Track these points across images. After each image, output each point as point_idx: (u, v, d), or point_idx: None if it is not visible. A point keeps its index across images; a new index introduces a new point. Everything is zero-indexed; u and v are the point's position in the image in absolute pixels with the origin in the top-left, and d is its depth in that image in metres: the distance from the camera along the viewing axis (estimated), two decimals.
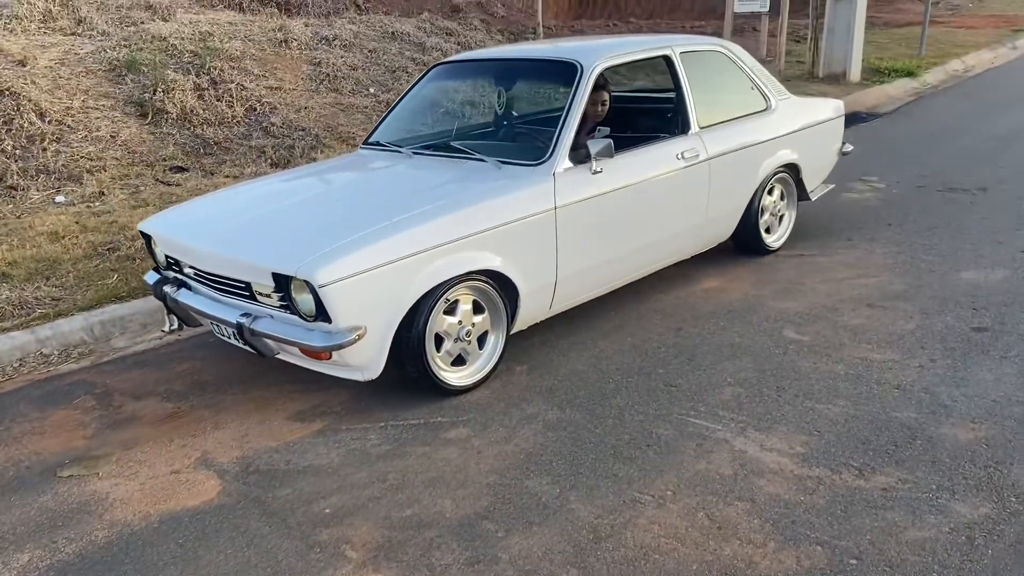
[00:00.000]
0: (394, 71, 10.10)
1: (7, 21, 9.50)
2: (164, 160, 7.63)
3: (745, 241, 5.03)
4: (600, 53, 4.18)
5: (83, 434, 3.44)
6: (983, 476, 2.80)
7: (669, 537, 2.58)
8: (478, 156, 3.96)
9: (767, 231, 5.12)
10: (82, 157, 7.40)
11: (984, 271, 4.67)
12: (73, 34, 9.71)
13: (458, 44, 11.36)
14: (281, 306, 3.24)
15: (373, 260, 3.14)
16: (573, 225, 3.81)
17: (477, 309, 3.60)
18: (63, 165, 7.24)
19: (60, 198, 6.77)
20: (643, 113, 4.89)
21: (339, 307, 3.09)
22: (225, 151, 8.02)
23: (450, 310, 3.48)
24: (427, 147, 4.24)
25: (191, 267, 3.60)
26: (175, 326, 3.79)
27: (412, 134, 4.54)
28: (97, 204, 6.55)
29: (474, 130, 4.57)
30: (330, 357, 3.20)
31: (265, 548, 2.64)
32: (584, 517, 2.70)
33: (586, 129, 4.81)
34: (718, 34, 12.03)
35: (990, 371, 3.53)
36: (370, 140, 4.60)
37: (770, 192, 5.03)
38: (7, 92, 7.75)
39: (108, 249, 5.34)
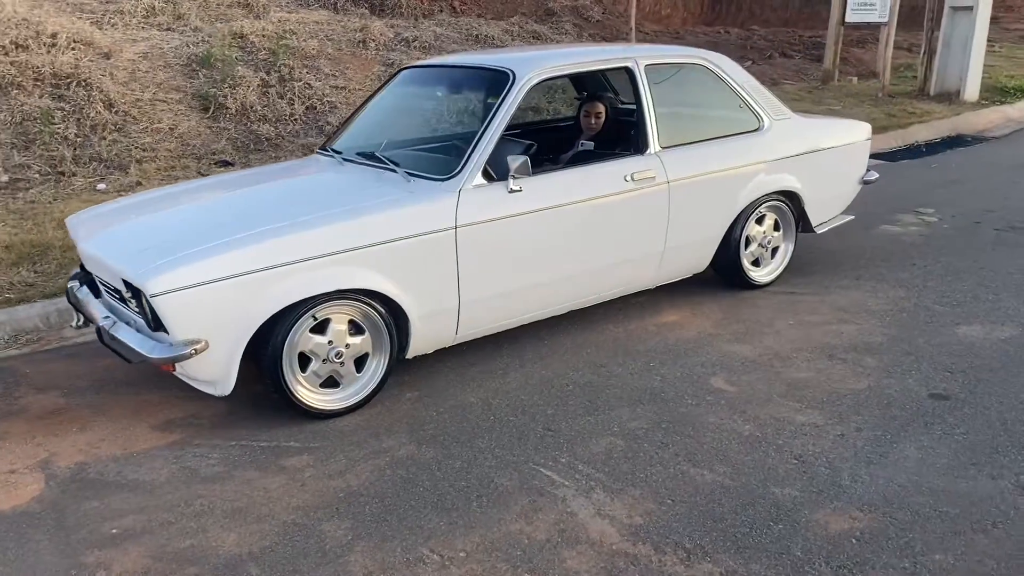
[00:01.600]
0: None
1: (111, 15, 10.05)
2: (214, 154, 7.84)
3: (726, 274, 4.58)
4: (539, 63, 3.88)
5: None
6: None
7: None
8: (390, 167, 3.76)
9: (755, 263, 4.64)
10: (136, 147, 7.71)
11: (989, 327, 4.04)
12: (168, 29, 10.16)
13: None
14: (138, 312, 3.17)
15: (214, 272, 3.01)
16: (480, 247, 3.55)
17: (358, 330, 3.40)
18: (116, 154, 7.56)
19: (102, 186, 7.07)
20: (613, 130, 4.53)
21: (173, 319, 2.98)
22: (275, 148, 8.16)
23: (321, 328, 3.30)
24: (361, 154, 4.07)
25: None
26: (80, 323, 3.81)
27: (365, 140, 4.38)
28: (130, 194, 6.78)
29: (413, 139, 4.36)
30: (173, 369, 3.10)
31: (30, 563, 2.56)
32: (355, 571, 2.47)
33: (579, 140, 4.52)
34: (844, 45, 11.26)
35: (919, 449, 3.02)
36: (325, 145, 4.49)
37: (759, 221, 4.56)
38: (82, 82, 8.18)
39: None
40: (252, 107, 8.53)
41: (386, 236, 3.33)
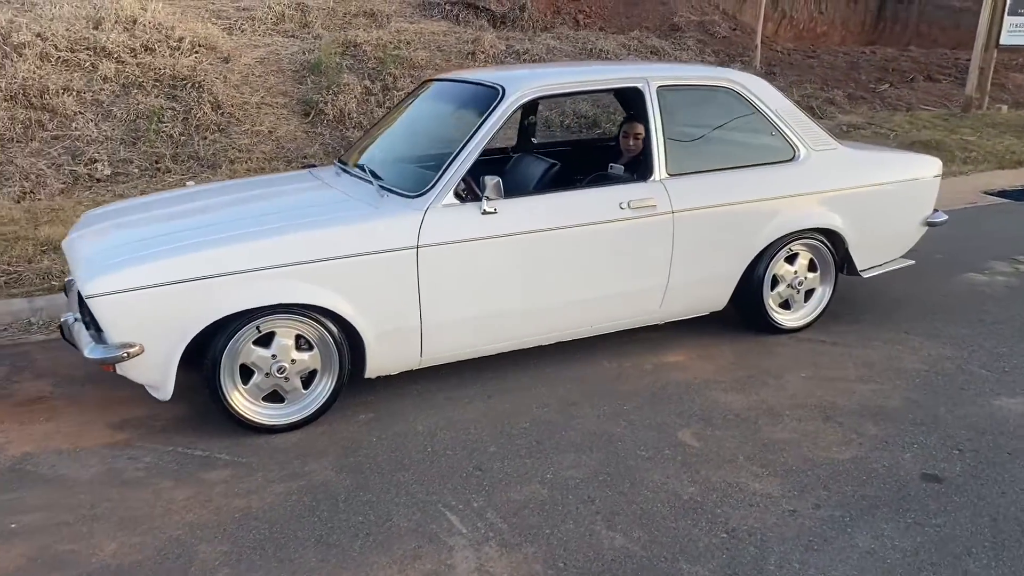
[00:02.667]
0: None
1: (243, 22, 10.59)
2: (304, 158, 8.06)
3: (748, 315, 4.20)
4: (533, 80, 3.70)
5: None
6: None
7: None
8: (367, 179, 3.68)
9: (784, 306, 4.23)
10: (233, 148, 8.06)
11: (1020, 399, 3.50)
12: (292, 36, 10.59)
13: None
14: (85, 312, 3.25)
15: (150, 279, 3.03)
16: (445, 268, 3.41)
17: (308, 346, 3.33)
18: (212, 154, 7.93)
19: (190, 183, 7.40)
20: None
21: (107, 321, 3.03)
22: None
23: (267, 341, 3.26)
24: (359, 166, 4.00)
25: None
26: (77, 316, 3.94)
27: (373, 151, 4.31)
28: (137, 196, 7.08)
29: (417, 153, 4.24)
30: (113, 369, 3.14)
31: None
32: None
33: (612, 163, 4.29)
34: (1004, 71, 10.32)
35: (875, 539, 2.62)
36: (342, 156, 4.47)
37: (791, 260, 4.15)
38: (196, 84, 8.64)
39: None
40: (350, 114, 8.73)
41: (337, 252, 3.24)
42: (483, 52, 10.19)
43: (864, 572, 2.46)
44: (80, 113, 7.99)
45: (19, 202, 6.53)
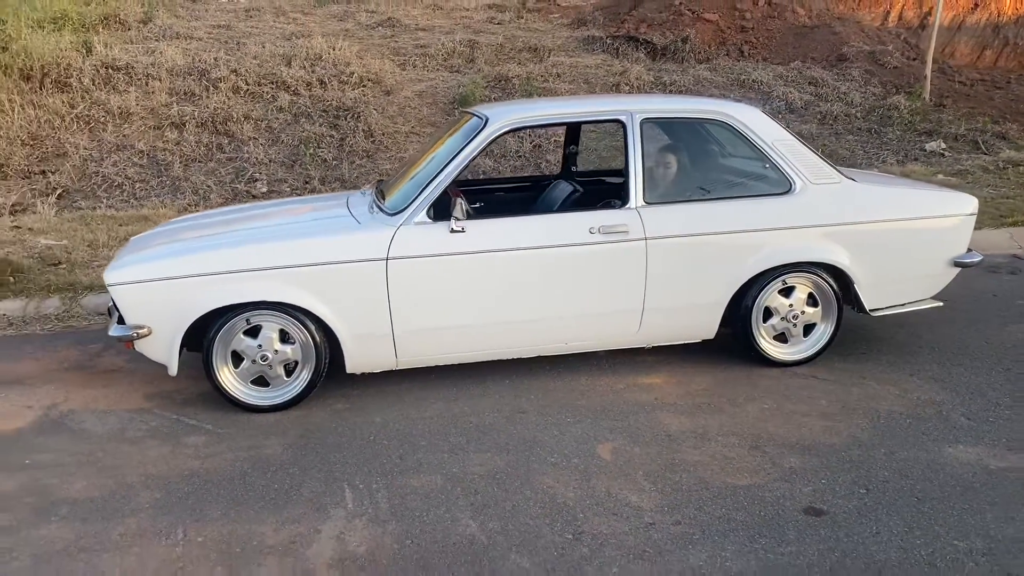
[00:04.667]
0: None
1: (416, 58, 11.58)
2: None
3: (739, 345, 4.24)
4: (516, 112, 4.04)
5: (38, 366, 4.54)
6: None
7: None
8: (370, 198, 4.17)
9: (780, 339, 4.22)
10: (375, 172, 8.90)
11: (993, 451, 3.31)
12: (457, 71, 11.43)
13: (814, 96, 10.54)
14: None
15: (155, 273, 3.71)
16: (413, 280, 3.81)
17: (292, 340, 3.86)
18: (356, 176, 8.82)
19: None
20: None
21: (123, 305, 3.73)
22: None
23: (255, 332, 3.83)
24: (380, 188, 4.50)
25: None
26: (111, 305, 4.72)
27: (400, 177, 4.75)
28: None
29: (419, 177, 4.56)
30: (131, 347, 3.84)
31: None
32: (129, 527, 2.95)
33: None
34: None
35: (710, 558, 2.70)
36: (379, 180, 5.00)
37: (787, 293, 4.15)
38: (355, 114, 9.64)
39: None
40: None
41: (316, 259, 3.75)
42: (628, 84, 10.46)
43: None
44: (253, 138, 9.18)
45: (180, 213, 7.67)
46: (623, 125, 4.04)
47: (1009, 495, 2.99)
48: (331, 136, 9.37)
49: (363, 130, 9.46)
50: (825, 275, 4.13)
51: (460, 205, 3.76)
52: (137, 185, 8.46)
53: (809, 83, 10.77)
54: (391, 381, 4.13)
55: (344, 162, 9.03)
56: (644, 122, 4.04)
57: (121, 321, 3.83)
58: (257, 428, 3.74)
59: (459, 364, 4.12)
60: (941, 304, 4.35)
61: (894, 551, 2.69)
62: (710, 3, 12.94)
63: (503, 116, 3.99)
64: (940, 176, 8.43)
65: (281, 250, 3.75)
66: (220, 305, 3.70)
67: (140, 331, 3.73)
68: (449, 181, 3.89)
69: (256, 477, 3.30)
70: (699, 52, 11.96)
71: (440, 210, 3.85)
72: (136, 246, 4.14)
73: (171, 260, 3.75)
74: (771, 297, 4.13)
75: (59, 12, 11.91)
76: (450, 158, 3.94)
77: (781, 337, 4.23)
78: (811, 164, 4.12)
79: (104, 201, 8.22)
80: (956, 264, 4.27)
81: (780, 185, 4.09)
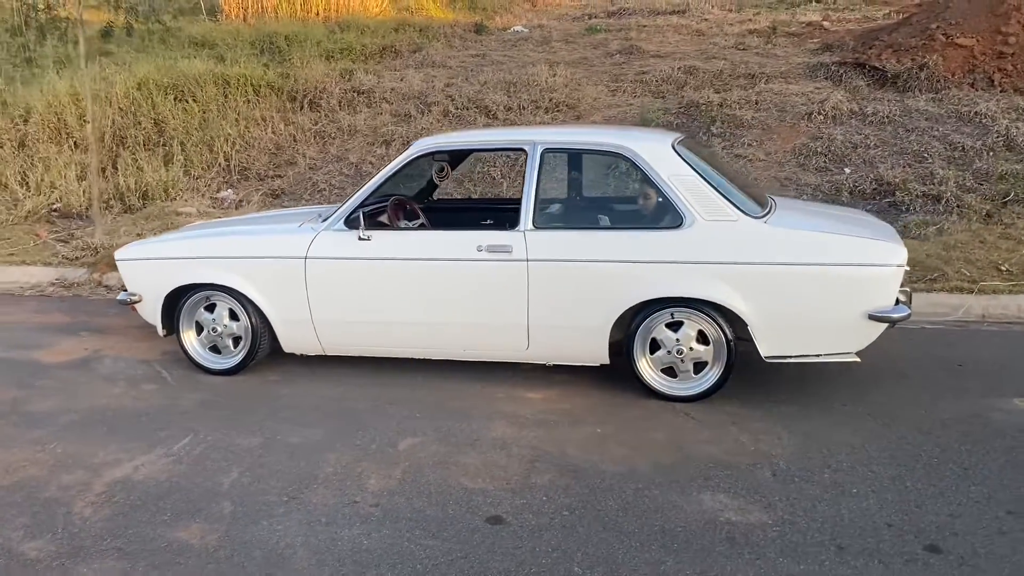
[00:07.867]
0: (904, 153, 9.11)
1: (628, 85, 11.99)
2: None
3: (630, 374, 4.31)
4: (435, 139, 4.53)
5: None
6: None
7: None
8: (320, 210, 4.92)
9: (668, 372, 4.21)
10: None
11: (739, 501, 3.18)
12: (661, 96, 11.63)
13: None
14: None
15: (139, 255, 4.80)
16: (325, 278, 4.48)
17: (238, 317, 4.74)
18: (509, 193, 9.51)
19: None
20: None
21: (124, 276, 4.88)
22: None
23: (212, 309, 4.76)
24: None
25: None
26: None
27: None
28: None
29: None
30: (135, 310, 4.97)
31: None
32: (73, 451, 4.01)
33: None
34: None
35: (352, 541, 3.07)
36: None
37: (675, 327, 4.15)
38: None
39: None
40: None
41: (252, 253, 4.58)
42: (821, 114, 9.95)
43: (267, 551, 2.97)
44: None
45: None
46: (526, 153, 4.32)
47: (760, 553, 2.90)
48: (506, 157, 10.14)
49: None
50: (714, 314, 4.04)
51: (357, 218, 4.33)
52: (335, 191, 9.93)
53: None
54: (322, 363, 4.80)
55: (506, 180, 9.75)
56: (545, 152, 4.28)
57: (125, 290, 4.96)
58: (200, 385, 4.63)
59: (399, 359, 4.64)
60: (858, 360, 4.01)
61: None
62: (971, 26, 11.67)
63: (423, 142, 4.49)
64: None
65: (227, 243, 4.63)
66: (183, 284, 4.65)
67: (133, 298, 4.82)
68: (367, 195, 4.47)
69: (155, 417, 4.18)
70: (937, 80, 10.90)
71: (354, 220, 4.44)
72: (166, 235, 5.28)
73: (154, 245, 4.80)
74: (658, 329, 4.13)
75: (346, 44, 14.08)
76: (373, 177, 4.52)
77: (671, 371, 4.20)
78: (711, 203, 4.04)
79: (305, 202, 9.78)
80: (874, 318, 3.91)
81: (672, 220, 4.09)
